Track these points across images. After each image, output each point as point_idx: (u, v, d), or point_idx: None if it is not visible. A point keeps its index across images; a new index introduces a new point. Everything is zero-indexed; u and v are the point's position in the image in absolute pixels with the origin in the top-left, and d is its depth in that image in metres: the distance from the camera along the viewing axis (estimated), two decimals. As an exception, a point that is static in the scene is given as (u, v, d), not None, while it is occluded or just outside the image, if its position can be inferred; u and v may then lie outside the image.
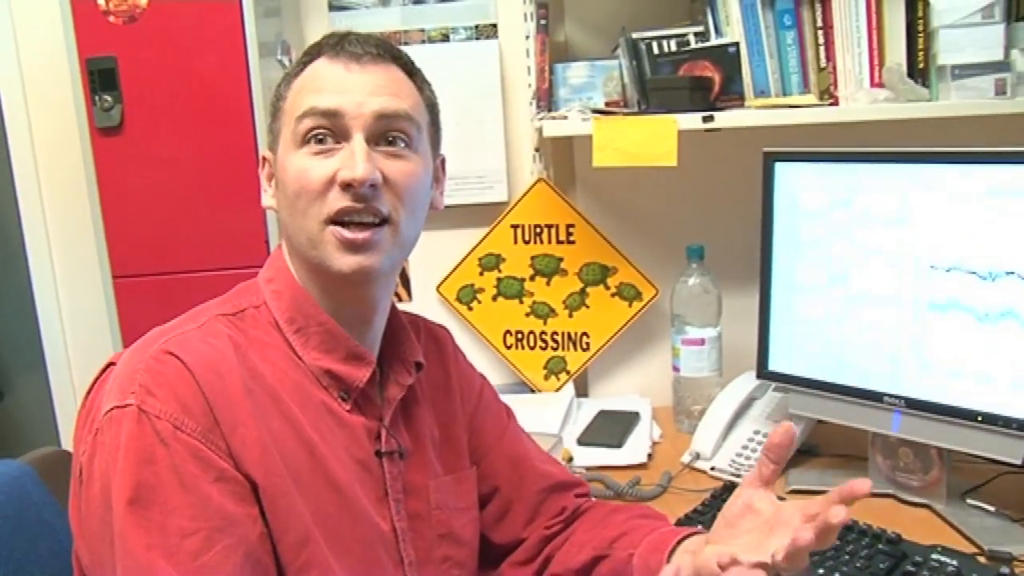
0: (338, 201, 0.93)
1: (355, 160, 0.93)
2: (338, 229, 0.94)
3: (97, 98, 1.77)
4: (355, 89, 0.96)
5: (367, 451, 1.01)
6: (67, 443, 2.13)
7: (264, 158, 1.05)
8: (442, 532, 1.08)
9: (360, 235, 0.94)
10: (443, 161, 1.10)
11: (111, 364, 0.94)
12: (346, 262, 0.94)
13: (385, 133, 0.97)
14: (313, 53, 1.00)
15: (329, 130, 0.95)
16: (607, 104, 1.84)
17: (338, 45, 0.98)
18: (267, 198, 1.04)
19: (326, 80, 0.97)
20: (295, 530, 0.91)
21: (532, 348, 2.05)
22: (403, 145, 0.98)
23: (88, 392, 0.95)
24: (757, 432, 1.66)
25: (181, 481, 0.84)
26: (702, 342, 1.79)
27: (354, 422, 1.00)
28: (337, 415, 0.99)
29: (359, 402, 1.02)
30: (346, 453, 0.98)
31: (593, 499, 1.25)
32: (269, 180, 1.04)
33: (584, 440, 1.76)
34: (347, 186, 0.93)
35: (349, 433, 0.99)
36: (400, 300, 2.08)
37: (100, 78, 1.76)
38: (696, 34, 1.76)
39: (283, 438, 0.92)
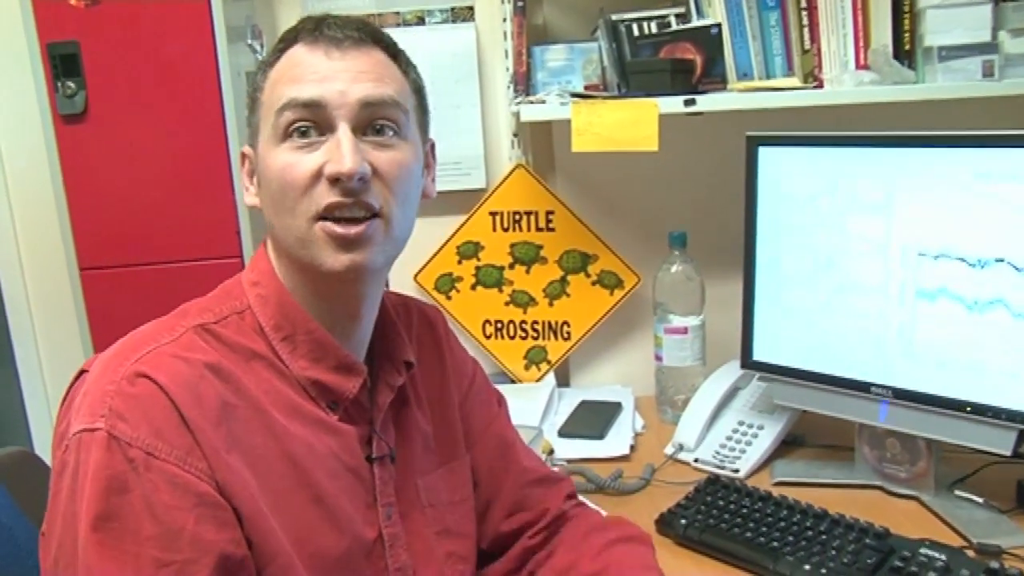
0: (326, 196, 0.89)
1: (342, 152, 0.88)
2: (328, 224, 0.89)
3: (60, 84, 1.71)
4: (337, 77, 0.90)
5: (358, 458, 0.98)
6: (38, 439, 2.11)
7: (244, 154, 1.00)
8: (438, 529, 1.06)
9: (352, 230, 0.89)
10: (433, 146, 1.05)
11: (84, 371, 0.89)
12: (339, 260, 0.90)
13: (372, 122, 0.92)
14: (289, 39, 0.95)
15: (312, 122, 0.90)
16: (586, 88, 1.80)
17: (316, 30, 0.93)
18: (250, 197, 0.99)
19: (305, 68, 0.91)
20: (281, 555, 0.87)
21: (512, 338, 2.02)
22: (391, 133, 0.93)
23: (63, 400, 0.91)
24: (741, 423, 1.63)
25: (152, 511, 0.80)
26: (685, 331, 1.76)
27: (345, 429, 0.97)
28: (327, 423, 0.96)
29: (348, 410, 0.98)
30: (337, 461, 0.95)
31: (576, 500, 1.22)
32: (251, 177, 0.99)
33: (565, 432, 1.73)
34: (335, 180, 0.88)
35: (340, 440, 0.96)
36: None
37: (62, 63, 1.71)
38: (677, 15, 1.73)
39: (265, 455, 0.89)
